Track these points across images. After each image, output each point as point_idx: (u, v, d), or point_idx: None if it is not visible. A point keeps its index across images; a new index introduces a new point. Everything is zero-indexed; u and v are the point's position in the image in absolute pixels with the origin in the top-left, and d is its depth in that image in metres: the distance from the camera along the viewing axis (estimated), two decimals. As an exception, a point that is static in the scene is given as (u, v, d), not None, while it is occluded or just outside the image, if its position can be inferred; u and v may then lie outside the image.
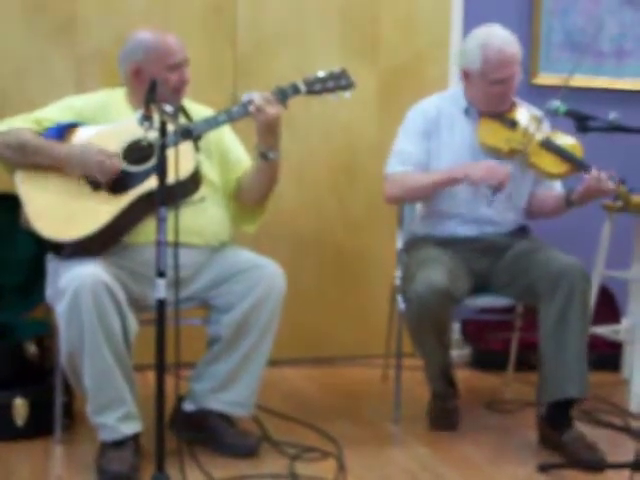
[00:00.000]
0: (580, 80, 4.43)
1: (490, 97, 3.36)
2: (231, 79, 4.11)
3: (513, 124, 3.37)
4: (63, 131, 3.08)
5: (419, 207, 3.65)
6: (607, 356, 4.31)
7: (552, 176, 3.35)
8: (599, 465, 3.02)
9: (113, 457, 2.90)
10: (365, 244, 4.38)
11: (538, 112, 3.42)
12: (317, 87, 3.09)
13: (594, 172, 3.17)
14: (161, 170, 2.61)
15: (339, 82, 3.09)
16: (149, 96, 2.67)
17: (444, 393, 3.40)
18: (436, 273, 3.16)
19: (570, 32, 4.48)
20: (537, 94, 4.26)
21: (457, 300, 3.22)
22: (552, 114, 3.11)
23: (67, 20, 3.92)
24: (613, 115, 3.10)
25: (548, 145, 3.31)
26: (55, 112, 3.16)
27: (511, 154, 3.30)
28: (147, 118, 2.67)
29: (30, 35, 3.88)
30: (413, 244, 3.50)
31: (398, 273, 3.57)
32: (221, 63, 4.12)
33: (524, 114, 3.40)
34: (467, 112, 3.45)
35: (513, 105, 3.44)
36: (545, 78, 4.42)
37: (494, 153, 3.34)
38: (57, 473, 3.02)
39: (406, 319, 3.27)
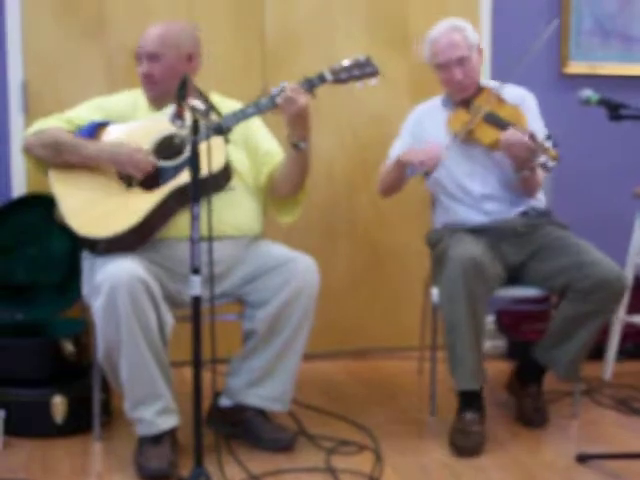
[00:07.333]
0: (610, 67, 4.40)
1: (443, 84, 3.50)
2: (260, 73, 4.11)
3: (469, 107, 3.44)
4: (94, 129, 3.13)
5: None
6: (642, 345, 4.30)
7: (489, 146, 3.37)
8: (537, 424, 3.40)
9: (152, 453, 2.93)
10: (397, 236, 4.37)
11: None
12: (343, 76, 3.09)
13: (510, 130, 3.23)
14: (194, 167, 2.63)
15: (365, 70, 3.10)
16: (180, 93, 2.69)
17: (470, 392, 3.25)
18: (471, 246, 3.21)
19: (600, 18, 4.43)
20: (568, 83, 4.25)
21: (490, 278, 3.20)
22: (584, 103, 3.09)
23: (96, 20, 3.94)
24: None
25: (487, 118, 3.36)
26: (85, 112, 3.20)
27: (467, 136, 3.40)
28: (179, 116, 2.69)
29: (61, 36, 3.92)
30: (436, 237, 3.51)
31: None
32: (250, 57, 4.13)
33: (489, 95, 3.44)
34: (444, 103, 3.57)
35: (482, 90, 3.48)
36: (576, 67, 4.38)
37: (455, 136, 3.40)
38: (96, 470, 3.05)
39: (440, 294, 3.24)
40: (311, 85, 3.05)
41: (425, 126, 3.56)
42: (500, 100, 3.42)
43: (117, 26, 3.95)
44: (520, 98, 3.50)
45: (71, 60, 3.94)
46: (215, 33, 4.06)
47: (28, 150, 3.15)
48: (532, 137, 3.17)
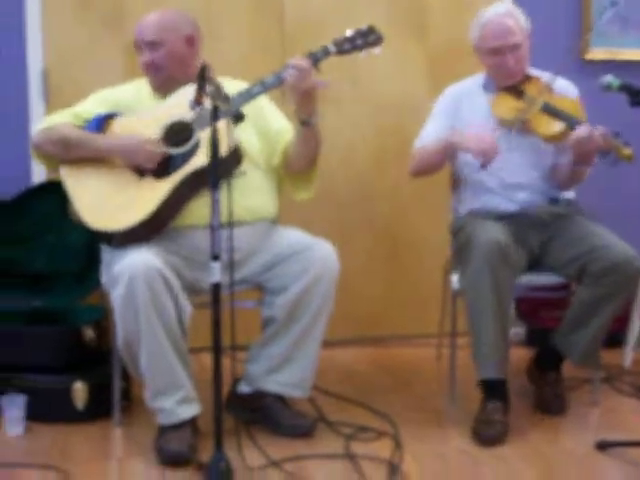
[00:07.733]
0: (630, 53, 4.38)
1: (492, 69, 3.44)
2: (279, 57, 4.09)
3: (520, 94, 3.39)
4: (102, 122, 3.13)
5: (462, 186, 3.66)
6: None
7: (549, 138, 3.35)
8: (557, 412, 3.39)
9: (172, 437, 2.94)
10: (416, 223, 4.36)
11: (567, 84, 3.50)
12: (346, 46, 3.06)
13: (584, 127, 3.20)
14: (214, 152, 2.64)
15: (367, 38, 3.07)
16: (200, 82, 2.69)
17: (495, 380, 3.24)
18: (496, 231, 3.19)
19: (619, 5, 4.39)
20: (589, 69, 4.22)
21: (514, 263, 3.19)
22: (605, 89, 3.07)
23: (115, 10, 3.97)
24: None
25: (547, 109, 3.33)
26: (92, 105, 3.21)
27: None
28: (198, 102, 2.69)
29: (80, 26, 3.94)
30: (460, 224, 3.49)
31: (450, 252, 3.57)
32: (269, 41, 4.13)
33: (539, 85, 3.41)
34: (485, 87, 3.52)
35: (529, 78, 3.44)
36: (596, 53, 4.36)
37: (503, 124, 3.37)
38: (117, 455, 3.07)
39: (464, 281, 3.24)
40: (315, 59, 3.02)
41: (463, 108, 3.50)
42: (551, 90, 3.37)
43: (135, 17, 3.90)
44: (566, 90, 3.47)
45: (90, 50, 3.96)
46: (234, 17, 4.06)
47: (37, 147, 3.16)
48: (605, 135, 3.14)
